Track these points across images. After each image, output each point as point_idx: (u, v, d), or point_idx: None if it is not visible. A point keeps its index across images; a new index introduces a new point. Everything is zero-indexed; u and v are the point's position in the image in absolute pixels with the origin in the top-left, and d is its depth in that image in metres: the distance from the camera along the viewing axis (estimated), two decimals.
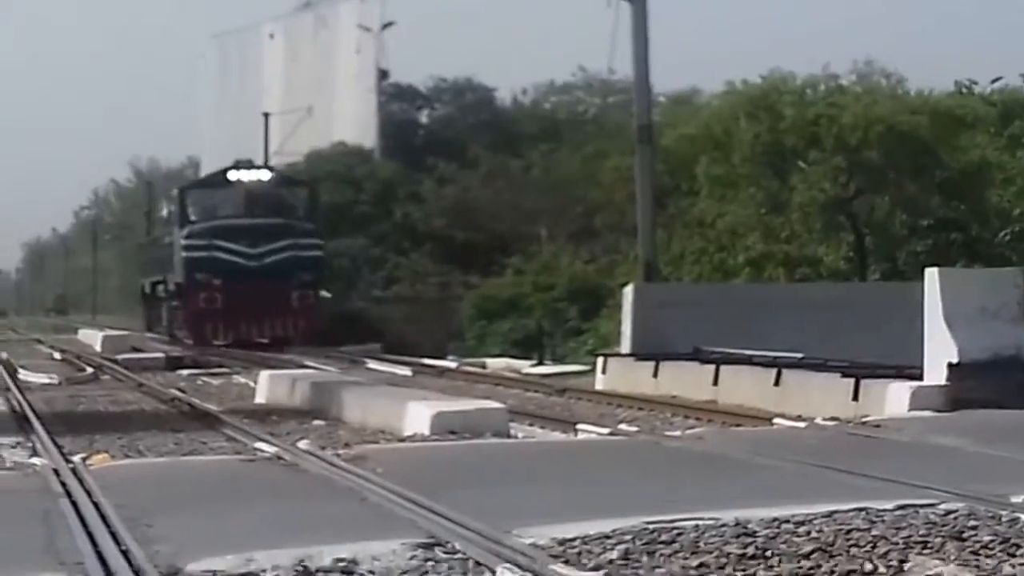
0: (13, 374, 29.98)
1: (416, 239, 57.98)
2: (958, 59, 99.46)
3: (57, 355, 40.00)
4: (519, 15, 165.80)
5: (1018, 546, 8.41)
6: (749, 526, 8.83)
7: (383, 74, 46.22)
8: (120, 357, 35.57)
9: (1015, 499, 9.28)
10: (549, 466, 13.23)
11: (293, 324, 38.50)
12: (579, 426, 17.84)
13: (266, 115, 47.61)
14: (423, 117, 63.01)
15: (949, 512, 9.32)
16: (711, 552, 8.27)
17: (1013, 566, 7.94)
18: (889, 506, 9.48)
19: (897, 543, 8.55)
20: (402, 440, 17.13)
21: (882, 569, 8.02)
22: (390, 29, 46.09)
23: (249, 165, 41.33)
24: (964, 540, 8.56)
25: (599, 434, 16.53)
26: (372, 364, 33.29)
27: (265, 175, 41.40)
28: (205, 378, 30.91)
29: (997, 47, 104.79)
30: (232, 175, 40.76)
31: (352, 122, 49.49)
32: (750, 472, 11.91)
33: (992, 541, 8.53)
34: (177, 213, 41.49)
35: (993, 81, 39.38)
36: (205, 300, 38.24)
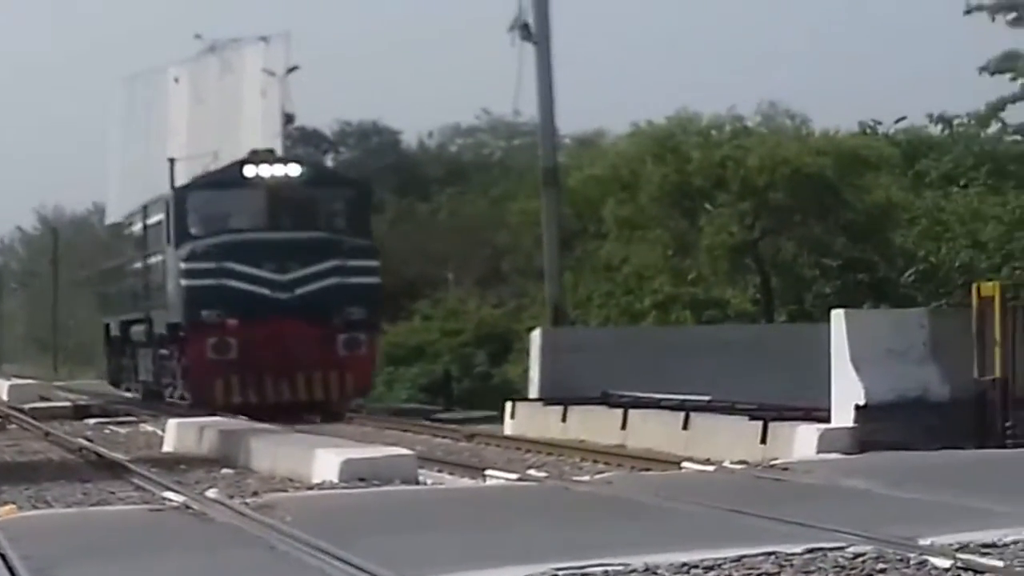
0: None
1: None
2: (862, 99, 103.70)
3: None
4: (424, 57, 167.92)
5: None
6: (658, 571, 8.84)
7: (288, 118, 45.51)
8: (27, 406, 34.55)
9: (923, 542, 9.45)
10: (458, 512, 13.30)
11: (339, 380, 27.29)
12: (487, 472, 17.85)
13: (171, 160, 42.01)
14: (329, 161, 63.47)
15: (858, 555, 9.40)
16: None
17: None
18: (798, 550, 9.52)
19: None
20: (311, 488, 16.94)
21: None
22: (295, 73, 45.19)
23: (271, 157, 29.67)
24: None
25: (507, 479, 16.60)
26: None
27: (294, 169, 29.04)
28: (112, 427, 30.38)
29: (902, 87, 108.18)
30: (249, 170, 28.61)
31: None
32: (659, 517, 12.01)
33: None
34: (168, 225, 29.03)
35: (897, 121, 40.57)
36: (215, 348, 26.94)
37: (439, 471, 19.58)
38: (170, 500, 14.49)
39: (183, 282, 26.97)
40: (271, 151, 29.65)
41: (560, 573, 8.83)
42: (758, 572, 8.91)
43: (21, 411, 33.60)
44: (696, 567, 9.03)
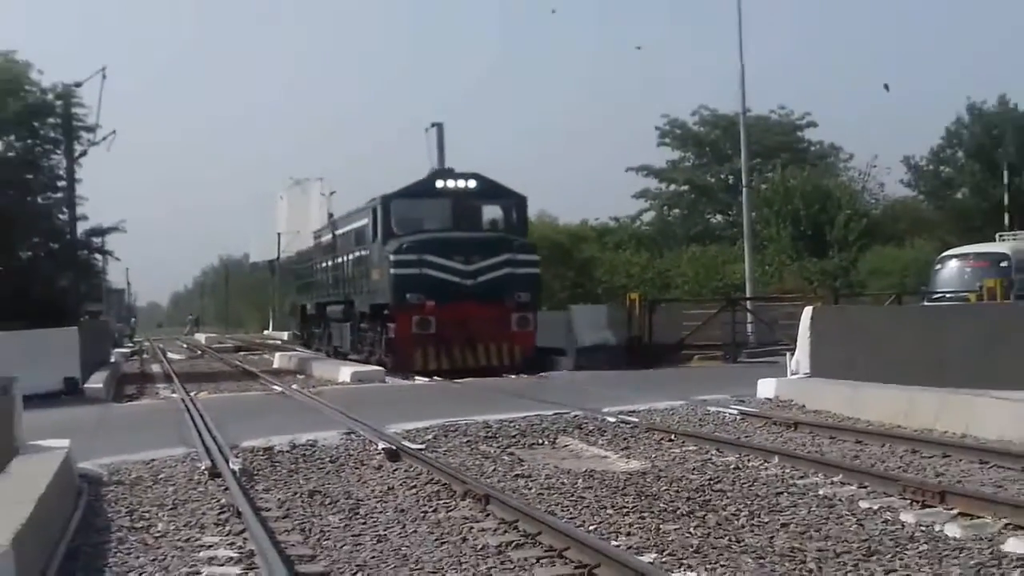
0: (164, 354, 55.05)
1: None
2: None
3: (184, 346, 71.46)
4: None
5: (603, 431, 17.02)
6: (489, 422, 17.81)
7: (330, 216, 66.36)
8: (214, 346, 65.66)
9: (605, 410, 18.91)
10: (405, 398, 24.08)
11: (509, 350, 31.52)
12: (417, 377, 29.50)
13: (279, 233, 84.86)
14: None
15: (576, 416, 18.49)
16: (471, 434, 16.80)
17: (603, 440, 16.35)
18: (549, 413, 18.83)
19: (553, 430, 17.26)
20: (337, 384, 29.53)
21: (546, 441, 16.43)
22: (335, 195, 76.44)
23: (454, 173, 33.96)
24: (581, 428, 17.36)
25: (426, 381, 28.60)
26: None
27: (472, 183, 33.51)
28: (251, 355, 52.36)
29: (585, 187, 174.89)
30: (439, 183, 33.26)
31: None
32: (489, 400, 21.78)
33: (594, 429, 17.23)
34: (375, 226, 33.61)
35: (596, 219, 75.17)
36: (418, 324, 30.92)
37: (398, 378, 30.56)
38: (275, 389, 27.52)
39: (392, 271, 30.84)
40: (451, 169, 33.86)
41: (446, 424, 17.66)
42: (533, 423, 17.76)
43: (211, 349, 62.10)
44: (506, 421, 17.93)
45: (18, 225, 38.23)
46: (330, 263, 41.43)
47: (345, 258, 38.05)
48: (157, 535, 10.60)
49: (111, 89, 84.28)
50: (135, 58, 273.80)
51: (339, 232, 40.47)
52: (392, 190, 33.01)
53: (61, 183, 38.50)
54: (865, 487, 11.89)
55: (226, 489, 12.63)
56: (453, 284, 30.64)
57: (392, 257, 31.01)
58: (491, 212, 33.84)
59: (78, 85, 38.03)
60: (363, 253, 35.08)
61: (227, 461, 14.28)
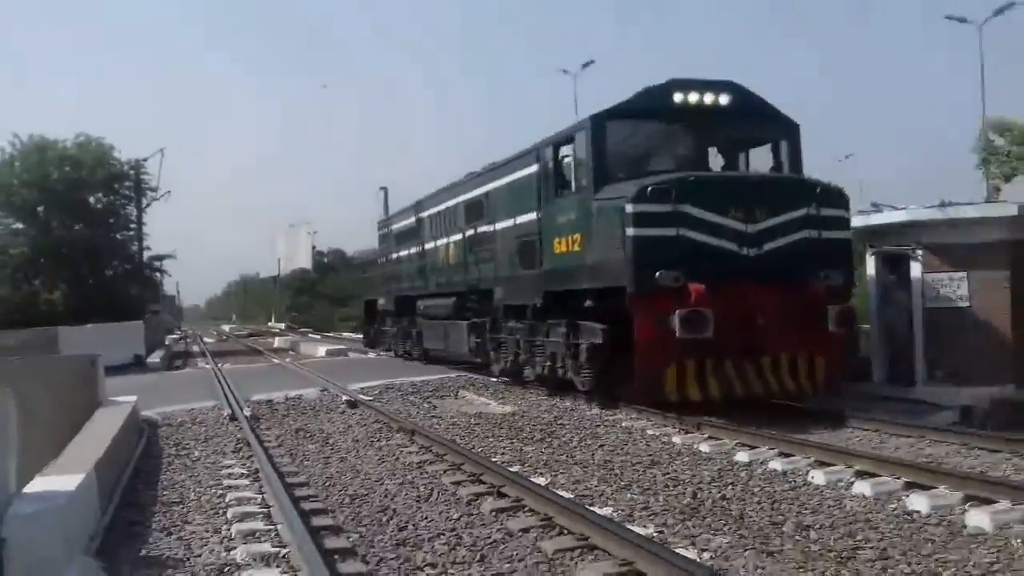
0: (201, 339, 52.68)
1: None
2: None
3: (215, 333, 69.59)
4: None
5: (487, 387, 16.65)
6: (415, 382, 17.55)
7: (314, 247, 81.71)
8: (235, 334, 63.87)
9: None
10: (362, 366, 23.15)
11: (812, 368, 12.32)
12: (378, 350, 27.72)
13: (279, 259, 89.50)
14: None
15: (471, 375, 17.86)
16: (404, 390, 16.59)
17: (488, 393, 16.14)
18: (454, 375, 18.34)
19: (456, 386, 16.92)
20: (317, 358, 27.93)
21: (452, 394, 16.17)
22: (316, 234, 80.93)
23: (697, 83, 13.43)
24: (475, 386, 17.03)
25: (382, 353, 26.80)
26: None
27: (725, 97, 13.41)
28: (257, 339, 49.84)
29: None
30: (678, 96, 13.29)
31: (304, 262, 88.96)
32: (416, 368, 20.84)
33: (482, 386, 16.91)
34: (585, 162, 13.29)
35: None
36: (686, 322, 11.46)
37: (358, 353, 29.22)
38: (275, 362, 26.04)
39: (632, 232, 12.12)
40: (690, 81, 13.54)
41: (389, 383, 17.37)
42: (443, 383, 17.22)
43: (232, 335, 60.80)
44: (426, 382, 17.43)
45: (104, 253, 39.09)
46: (418, 250, 22.39)
47: (460, 236, 18.74)
48: (194, 459, 10.46)
49: (168, 162, 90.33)
50: (185, 139, 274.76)
51: (432, 212, 21.28)
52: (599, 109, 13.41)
53: (132, 225, 39.57)
54: (651, 421, 12.07)
55: (241, 428, 12.48)
56: (727, 255, 12.24)
57: (631, 209, 12.22)
58: (759, 143, 14.37)
59: (145, 160, 38.92)
60: (512, 222, 15.65)
61: (242, 409, 14.16)
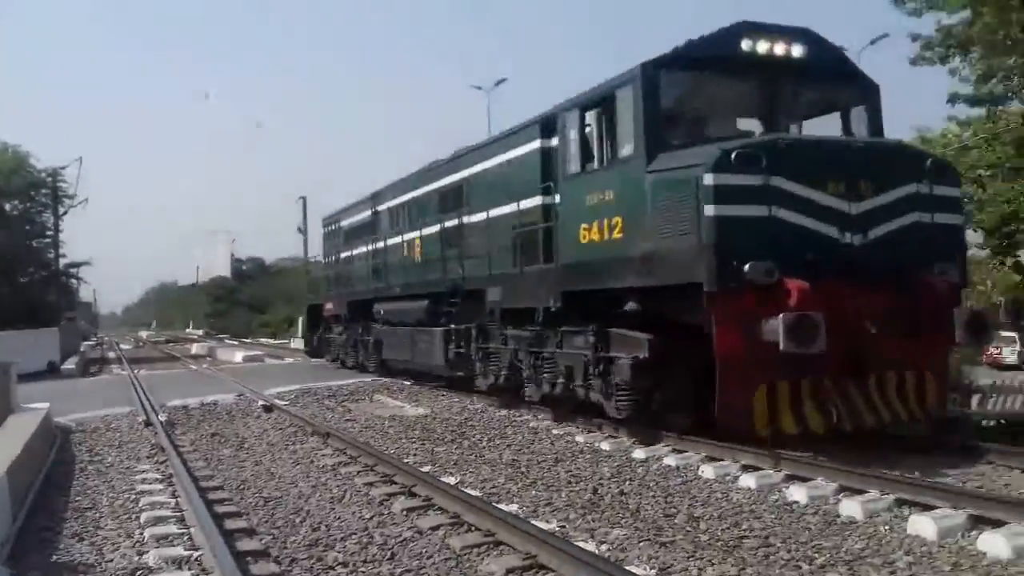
0: (118, 345, 52.59)
1: None
2: None
3: (132, 339, 70.54)
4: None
5: (401, 390, 16.94)
6: (331, 386, 17.63)
7: (232, 255, 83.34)
8: (152, 340, 64.70)
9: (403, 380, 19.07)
10: (279, 372, 23.18)
11: (923, 391, 9.02)
12: (295, 356, 27.90)
13: (197, 267, 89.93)
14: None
15: (384, 381, 18.28)
16: (319, 394, 16.61)
17: (402, 396, 16.49)
18: (369, 380, 18.59)
19: (370, 390, 17.06)
20: (234, 364, 27.92)
21: (367, 398, 16.28)
22: (237, 241, 75.22)
23: (768, 29, 9.86)
24: (389, 389, 17.17)
25: (296, 360, 26.86)
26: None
27: (799, 48, 9.94)
28: (175, 345, 49.07)
29: None
30: (746, 44, 9.71)
31: (223, 269, 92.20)
32: (333, 373, 21.28)
33: (396, 389, 17.46)
34: (622, 125, 10.05)
35: None
36: (792, 330, 8.04)
37: (274, 359, 29.70)
38: (191, 367, 25.66)
39: (711, 210, 8.58)
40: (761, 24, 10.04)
41: (305, 388, 17.38)
42: (359, 388, 17.41)
43: (149, 341, 60.78)
44: (341, 387, 17.51)
45: (21, 260, 38.77)
46: (376, 247, 19.30)
47: (435, 229, 15.72)
48: (107, 465, 10.40)
49: (85, 169, 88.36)
50: (103, 146, 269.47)
51: (394, 203, 18.32)
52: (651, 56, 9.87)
53: (49, 232, 39.15)
54: (557, 422, 12.36)
55: (156, 433, 12.40)
56: (826, 242, 8.77)
57: (710, 180, 8.61)
58: (841, 104, 10.68)
59: (63, 168, 38.79)
60: (508, 209, 12.76)
61: (157, 415, 14.04)
